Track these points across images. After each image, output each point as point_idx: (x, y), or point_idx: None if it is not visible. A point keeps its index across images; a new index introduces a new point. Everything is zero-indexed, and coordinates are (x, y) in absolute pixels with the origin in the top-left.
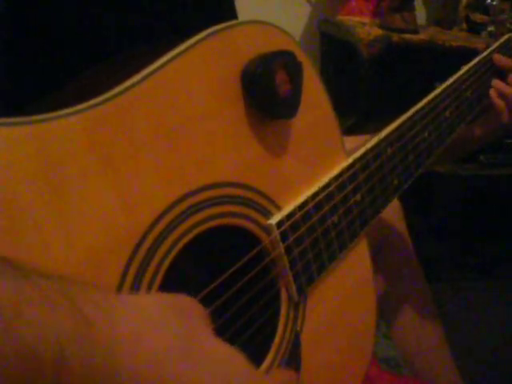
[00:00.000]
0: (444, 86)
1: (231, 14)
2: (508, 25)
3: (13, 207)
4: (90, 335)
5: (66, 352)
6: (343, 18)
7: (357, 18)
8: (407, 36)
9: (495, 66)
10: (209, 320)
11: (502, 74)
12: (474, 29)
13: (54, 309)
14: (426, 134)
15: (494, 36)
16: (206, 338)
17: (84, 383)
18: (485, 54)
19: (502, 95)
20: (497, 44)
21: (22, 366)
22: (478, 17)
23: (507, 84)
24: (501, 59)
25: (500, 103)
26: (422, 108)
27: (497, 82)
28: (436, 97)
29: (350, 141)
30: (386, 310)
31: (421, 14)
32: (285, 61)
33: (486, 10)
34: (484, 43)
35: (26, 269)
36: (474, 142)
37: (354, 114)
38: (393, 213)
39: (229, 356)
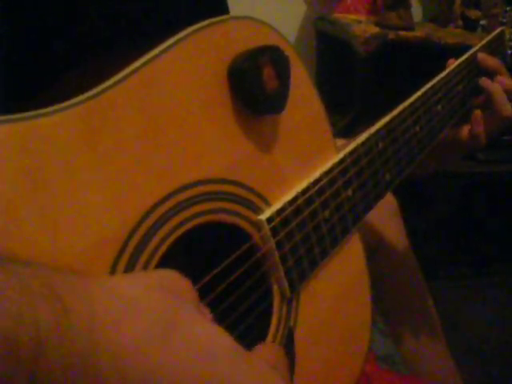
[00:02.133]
0: (435, 80)
1: (223, 11)
2: (500, 18)
3: None
4: (68, 323)
5: (43, 340)
6: (339, 15)
7: (352, 16)
8: (403, 33)
9: (480, 66)
10: (195, 295)
11: (489, 75)
12: (470, 26)
13: (31, 296)
14: (418, 128)
15: (487, 30)
16: (192, 317)
17: (63, 371)
18: (477, 47)
19: (487, 93)
20: (489, 38)
21: None
22: (474, 14)
23: None
24: (485, 59)
25: (494, 88)
26: (413, 102)
27: (483, 80)
28: (427, 91)
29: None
30: (383, 308)
31: (416, 12)
32: (272, 56)
33: (475, 6)
34: (479, 40)
35: (2, 256)
36: (464, 147)
37: (350, 111)
38: (390, 212)
39: (213, 336)
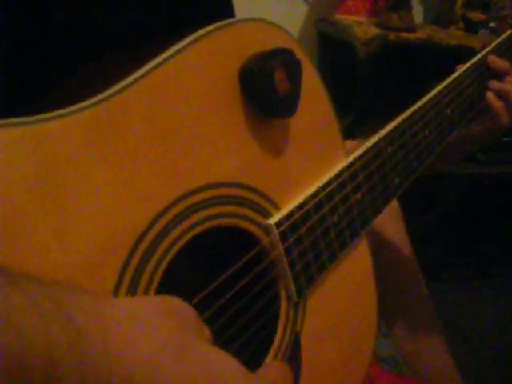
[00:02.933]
0: (445, 83)
1: (229, 13)
2: (509, 21)
3: (8, 210)
4: (80, 343)
5: (56, 361)
6: (340, 17)
7: (354, 17)
8: (404, 35)
9: (490, 68)
10: (201, 323)
11: (498, 77)
12: (471, 27)
13: (43, 316)
14: (427, 132)
15: (496, 32)
16: (200, 342)
17: None
18: (487, 50)
19: (499, 95)
20: (498, 40)
21: (10, 375)
22: (475, 15)
23: None
24: (495, 61)
25: (498, 105)
26: (423, 106)
27: (493, 82)
28: (437, 94)
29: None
30: (384, 310)
31: (418, 13)
32: (284, 59)
33: (482, 8)
34: (481, 42)
35: (14, 274)
36: (472, 143)
37: (352, 113)
38: (391, 212)
39: (221, 359)
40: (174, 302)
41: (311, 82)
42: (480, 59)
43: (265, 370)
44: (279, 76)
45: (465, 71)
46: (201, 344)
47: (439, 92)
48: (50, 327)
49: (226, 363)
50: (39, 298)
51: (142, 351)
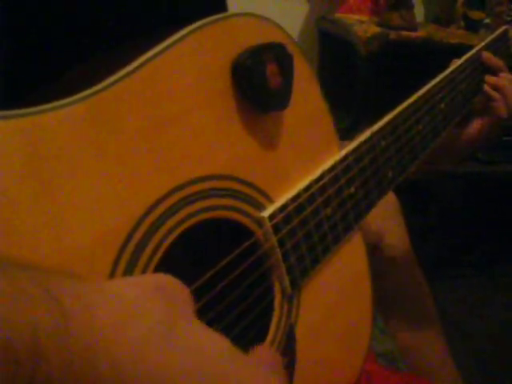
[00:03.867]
0: (439, 77)
1: (222, 10)
2: (505, 17)
3: (0, 201)
4: (66, 327)
5: (42, 345)
6: (341, 15)
7: (355, 16)
8: (405, 33)
9: (485, 64)
10: (191, 300)
11: (493, 73)
12: (472, 26)
13: (28, 301)
14: (421, 127)
15: (491, 28)
16: (188, 321)
17: (63, 376)
18: (480, 46)
19: (495, 89)
20: (492, 36)
21: None
22: (476, 14)
23: None
24: (490, 57)
25: (497, 96)
26: (417, 100)
27: (489, 77)
28: (430, 89)
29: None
30: (383, 306)
31: (419, 12)
32: (275, 53)
33: (483, 7)
34: (482, 40)
35: (1, 260)
36: (473, 142)
37: (352, 111)
38: (391, 209)
39: (212, 338)
40: (163, 279)
41: (304, 75)
42: (474, 54)
43: (257, 350)
44: (271, 70)
45: (459, 66)
46: (191, 325)
47: (433, 86)
48: (36, 311)
49: (218, 342)
50: (25, 283)
51: (130, 335)
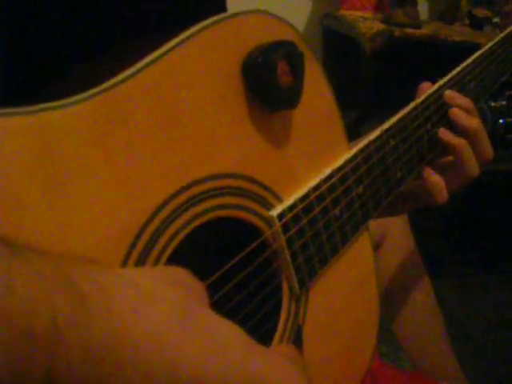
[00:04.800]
0: (447, 77)
1: (221, 9)
2: None
3: (11, 198)
4: (85, 310)
5: (60, 329)
6: (345, 12)
7: (359, 13)
8: (409, 30)
9: (446, 103)
10: (206, 292)
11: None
12: (477, 24)
13: (46, 284)
14: (429, 126)
15: (500, 27)
16: (204, 311)
17: (81, 359)
18: (490, 45)
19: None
20: (502, 35)
21: (14, 344)
22: (481, 12)
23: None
24: (453, 96)
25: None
26: (425, 100)
27: (442, 131)
28: (439, 88)
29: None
30: (387, 304)
31: (423, 9)
32: (286, 51)
33: (488, 4)
34: (486, 38)
35: (18, 245)
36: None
37: (356, 108)
38: None
39: (229, 329)
40: (180, 272)
41: (314, 74)
42: (486, 51)
43: (277, 346)
44: (282, 68)
45: (468, 65)
46: (207, 313)
47: (442, 86)
48: (53, 294)
49: (233, 333)
50: (43, 267)
51: (148, 321)
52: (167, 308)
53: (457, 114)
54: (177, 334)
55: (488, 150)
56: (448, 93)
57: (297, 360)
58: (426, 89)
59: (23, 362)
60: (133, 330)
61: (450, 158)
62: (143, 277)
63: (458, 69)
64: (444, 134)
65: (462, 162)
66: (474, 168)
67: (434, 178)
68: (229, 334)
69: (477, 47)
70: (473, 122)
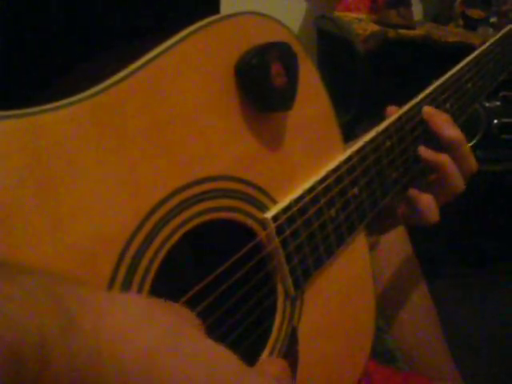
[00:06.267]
0: (443, 78)
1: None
2: (511, 15)
3: (1, 202)
4: (74, 333)
5: (48, 350)
6: (340, 13)
7: (353, 14)
8: (403, 32)
9: (424, 118)
10: (198, 321)
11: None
12: (470, 25)
13: (36, 306)
14: (426, 127)
15: (497, 27)
16: (196, 335)
17: (68, 381)
18: (487, 45)
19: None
20: (499, 35)
21: (2, 367)
22: (475, 13)
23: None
24: (432, 113)
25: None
26: (421, 101)
27: (421, 149)
28: (435, 90)
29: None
30: (382, 304)
31: (417, 10)
32: (280, 52)
33: (482, 5)
34: (480, 39)
35: (7, 264)
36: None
37: (351, 109)
38: None
39: (220, 353)
40: (169, 302)
41: (309, 75)
42: (483, 51)
43: (264, 365)
44: (276, 69)
45: (464, 66)
46: (198, 338)
47: (437, 87)
48: (44, 318)
49: (225, 358)
50: (33, 289)
51: (136, 345)
52: (158, 331)
53: (440, 124)
54: (167, 356)
55: (472, 162)
56: (426, 109)
57: (284, 376)
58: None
59: (9, 381)
60: (122, 354)
61: (434, 176)
62: (134, 301)
63: (454, 69)
64: (425, 152)
65: (447, 178)
66: (459, 183)
67: (425, 198)
68: (221, 358)
69: (470, 48)
70: (457, 132)
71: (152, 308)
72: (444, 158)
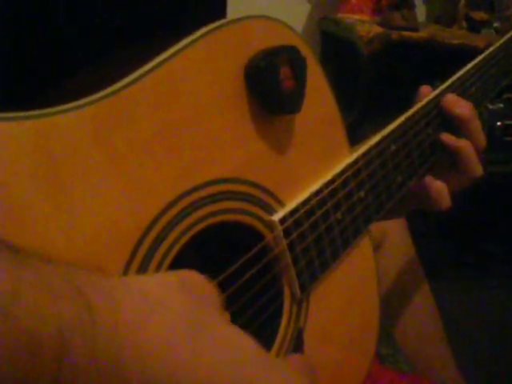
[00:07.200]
0: (448, 82)
1: (220, 13)
2: None
3: (15, 202)
4: (91, 320)
5: (67, 338)
6: (343, 15)
7: (357, 16)
8: (407, 34)
9: (444, 109)
10: (219, 300)
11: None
12: (474, 27)
13: (53, 293)
14: (431, 131)
15: (500, 32)
16: (216, 320)
17: (87, 369)
18: (491, 49)
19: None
20: (502, 40)
21: (20, 352)
22: (478, 15)
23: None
24: (449, 100)
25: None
26: (426, 105)
27: (443, 135)
28: (439, 94)
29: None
30: (385, 306)
31: (421, 12)
32: (289, 56)
33: (485, 7)
34: (484, 41)
35: (26, 253)
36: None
37: (354, 111)
38: None
39: (240, 340)
40: (188, 276)
41: (316, 79)
42: (487, 56)
43: (289, 358)
44: (284, 73)
45: (469, 70)
46: (218, 322)
47: (442, 91)
48: (62, 305)
49: (246, 344)
50: (50, 276)
51: (154, 331)
52: (176, 317)
53: (449, 100)
54: (185, 345)
55: (483, 137)
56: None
57: (310, 372)
58: (426, 92)
59: (29, 373)
60: (139, 341)
61: (451, 161)
62: (151, 284)
63: (459, 73)
64: (447, 137)
65: (467, 163)
66: (477, 167)
67: (437, 185)
68: (243, 346)
69: (474, 50)
70: (468, 107)
71: (170, 291)
72: (464, 143)
